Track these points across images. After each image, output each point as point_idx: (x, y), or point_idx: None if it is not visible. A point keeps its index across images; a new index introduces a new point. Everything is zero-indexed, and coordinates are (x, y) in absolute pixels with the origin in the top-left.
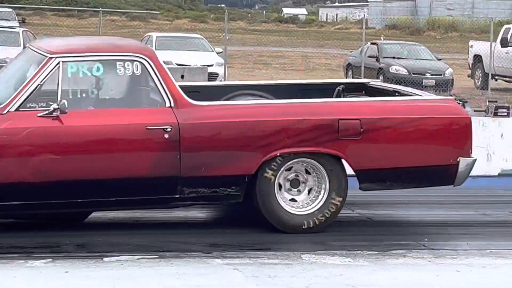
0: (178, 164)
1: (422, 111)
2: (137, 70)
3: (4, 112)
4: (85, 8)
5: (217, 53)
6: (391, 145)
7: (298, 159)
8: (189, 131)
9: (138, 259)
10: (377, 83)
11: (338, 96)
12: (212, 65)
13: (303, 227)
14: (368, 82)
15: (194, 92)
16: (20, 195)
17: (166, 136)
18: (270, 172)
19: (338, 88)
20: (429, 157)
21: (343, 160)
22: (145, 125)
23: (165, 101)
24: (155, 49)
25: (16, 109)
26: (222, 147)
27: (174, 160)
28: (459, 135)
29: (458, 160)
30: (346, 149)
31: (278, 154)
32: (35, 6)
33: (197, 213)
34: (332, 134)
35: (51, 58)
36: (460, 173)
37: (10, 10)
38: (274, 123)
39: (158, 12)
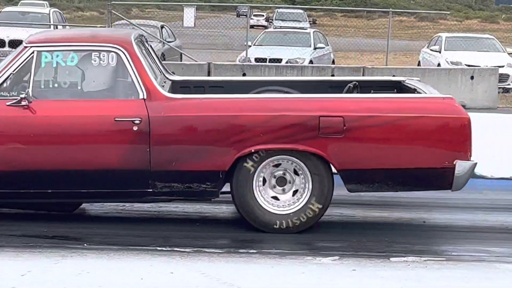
0: (148, 158)
1: (413, 110)
2: (112, 61)
3: None
4: (374, 9)
5: (508, 54)
6: (377, 144)
7: (284, 156)
8: (159, 124)
9: (424, 260)
10: (413, 81)
11: (348, 93)
12: (503, 66)
13: (275, 226)
14: (404, 80)
15: (217, 87)
16: None
17: (135, 128)
18: (250, 163)
19: (349, 84)
20: (421, 159)
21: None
22: (113, 117)
23: (138, 93)
24: (444, 49)
25: None
26: (193, 141)
27: (143, 153)
28: (455, 136)
29: (454, 163)
30: (328, 147)
31: (253, 151)
32: (325, 7)
33: None
34: (311, 131)
35: (26, 47)
36: (457, 177)
37: (301, 11)
38: (249, 118)
39: (447, 12)
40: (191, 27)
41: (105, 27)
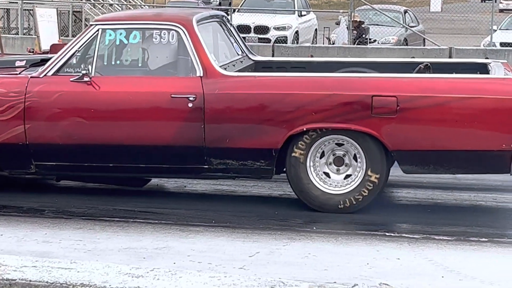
0: (203, 134)
1: (469, 90)
2: (172, 39)
3: (42, 75)
4: None
5: None
6: (431, 125)
7: (337, 136)
8: (213, 101)
9: None
10: (497, 64)
11: (419, 73)
12: None
13: (339, 206)
14: (490, 63)
15: (299, 67)
16: (52, 156)
17: (190, 105)
18: (303, 142)
19: (420, 65)
20: (477, 141)
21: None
22: (170, 93)
23: (196, 71)
24: None
25: (54, 74)
26: (246, 119)
27: (198, 130)
28: None
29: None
30: (381, 127)
31: (305, 129)
32: None
33: None
34: (364, 111)
35: (91, 25)
36: None
37: None
38: (302, 96)
39: None
40: (437, 12)
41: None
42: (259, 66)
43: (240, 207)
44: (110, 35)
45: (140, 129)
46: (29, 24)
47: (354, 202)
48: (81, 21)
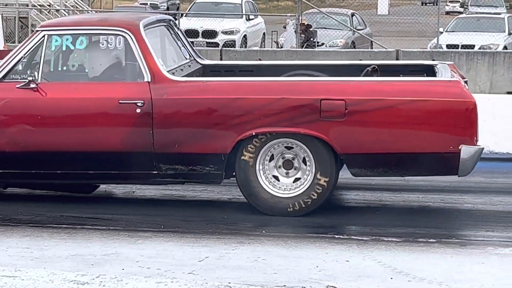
0: (151, 140)
1: (416, 93)
2: (119, 45)
3: None
4: None
5: None
6: (379, 128)
7: (287, 140)
8: (161, 107)
9: None
10: (444, 65)
11: (366, 76)
12: None
13: (289, 209)
14: (436, 65)
15: (247, 71)
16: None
17: (138, 110)
18: (252, 146)
19: (367, 68)
20: (425, 143)
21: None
22: (117, 99)
23: (144, 76)
24: None
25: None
26: (195, 124)
27: (147, 135)
28: (460, 120)
29: (459, 148)
30: (329, 131)
31: (254, 134)
32: None
33: None
34: (313, 114)
35: (37, 31)
36: (463, 162)
37: None
38: (250, 101)
39: None
40: (385, 15)
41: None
42: (207, 70)
43: (189, 212)
44: (56, 41)
45: (88, 135)
46: None
47: (303, 205)
48: (28, 27)
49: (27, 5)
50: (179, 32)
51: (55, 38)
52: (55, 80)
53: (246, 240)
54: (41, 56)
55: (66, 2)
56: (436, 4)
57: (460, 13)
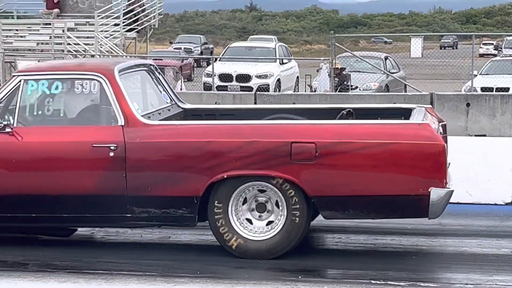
0: (125, 183)
1: (385, 136)
2: (94, 89)
3: None
4: None
5: None
6: (349, 171)
7: (258, 183)
8: (134, 150)
9: None
10: (421, 109)
11: (341, 119)
12: None
13: (248, 253)
14: (414, 108)
15: (228, 115)
16: None
17: (112, 154)
18: (224, 189)
19: (342, 111)
20: (394, 186)
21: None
22: (91, 143)
23: (117, 120)
24: None
25: None
26: (167, 167)
27: (120, 179)
28: (429, 163)
29: (429, 190)
30: (300, 173)
31: (225, 177)
32: None
33: None
34: (284, 157)
35: (14, 76)
36: (433, 205)
37: None
38: (221, 144)
39: None
40: (418, 58)
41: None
42: (188, 114)
43: (225, 257)
44: (32, 85)
45: (62, 178)
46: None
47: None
48: None
49: (63, 51)
50: (160, 76)
51: (31, 83)
52: (31, 125)
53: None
54: (17, 101)
55: (101, 47)
56: (453, 46)
57: (494, 55)
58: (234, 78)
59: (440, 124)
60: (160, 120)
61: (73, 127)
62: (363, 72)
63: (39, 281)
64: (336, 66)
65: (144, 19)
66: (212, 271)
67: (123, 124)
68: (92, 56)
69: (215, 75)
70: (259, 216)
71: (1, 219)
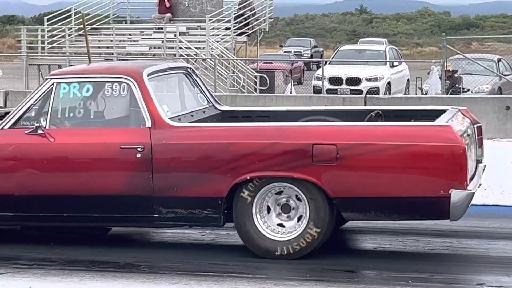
0: (151, 183)
1: (406, 138)
2: (123, 92)
3: None
4: None
5: None
6: (370, 172)
7: (281, 184)
8: (160, 151)
9: None
10: (453, 110)
11: (369, 121)
12: None
13: (276, 253)
14: (447, 110)
15: (264, 117)
16: (9, 207)
17: (138, 155)
18: (247, 192)
19: (371, 113)
20: (414, 187)
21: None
22: (119, 144)
23: (145, 122)
24: None
25: (11, 127)
26: (192, 168)
27: (147, 179)
28: (449, 165)
29: (449, 192)
30: (321, 175)
31: (248, 178)
32: None
33: None
34: (305, 159)
35: (47, 79)
36: (453, 206)
37: None
38: (244, 145)
39: None
40: None
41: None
42: (226, 116)
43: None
44: (64, 88)
45: (91, 179)
46: None
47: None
48: None
49: (174, 55)
50: (197, 79)
51: (63, 86)
52: (62, 127)
53: None
54: (49, 103)
55: (212, 51)
56: None
57: None
58: (344, 81)
59: (475, 126)
60: (191, 122)
61: (102, 129)
62: (475, 74)
63: (150, 283)
64: (448, 69)
65: (255, 23)
66: (321, 275)
67: (150, 126)
68: (203, 60)
69: (325, 78)
70: (288, 217)
71: (33, 218)
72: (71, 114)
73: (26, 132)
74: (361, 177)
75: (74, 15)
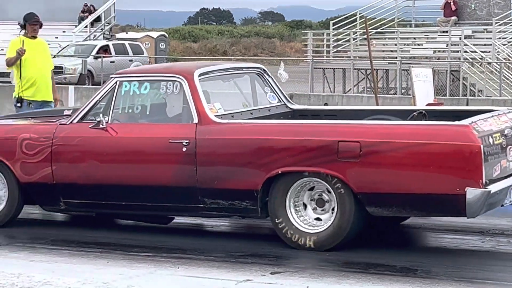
0: (195, 176)
1: (425, 136)
2: (176, 90)
3: (68, 123)
4: None
5: None
6: (391, 169)
7: (311, 179)
8: (203, 146)
9: None
10: (498, 111)
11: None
12: None
13: (305, 245)
14: (491, 110)
15: (331, 115)
16: (76, 194)
17: (184, 149)
18: (280, 186)
19: (414, 113)
20: (432, 184)
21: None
22: (168, 139)
23: (193, 118)
24: None
25: (78, 121)
26: (230, 161)
27: (191, 172)
28: (465, 163)
29: (465, 190)
30: (346, 171)
31: (280, 172)
32: None
33: None
34: (332, 155)
35: (111, 78)
36: (469, 204)
37: None
38: (276, 141)
39: None
40: None
41: None
42: (296, 114)
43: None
44: (125, 86)
45: (144, 170)
46: (407, 84)
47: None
48: (459, 80)
49: (459, 58)
50: (269, 79)
51: (125, 84)
52: (122, 121)
53: None
54: (112, 100)
55: (498, 54)
56: None
57: None
58: None
59: None
60: (249, 119)
61: (155, 124)
62: None
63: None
64: None
65: None
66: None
67: (196, 122)
68: (489, 63)
69: None
70: (322, 210)
71: (97, 206)
72: (130, 110)
73: (90, 126)
74: (382, 173)
75: (359, 19)
